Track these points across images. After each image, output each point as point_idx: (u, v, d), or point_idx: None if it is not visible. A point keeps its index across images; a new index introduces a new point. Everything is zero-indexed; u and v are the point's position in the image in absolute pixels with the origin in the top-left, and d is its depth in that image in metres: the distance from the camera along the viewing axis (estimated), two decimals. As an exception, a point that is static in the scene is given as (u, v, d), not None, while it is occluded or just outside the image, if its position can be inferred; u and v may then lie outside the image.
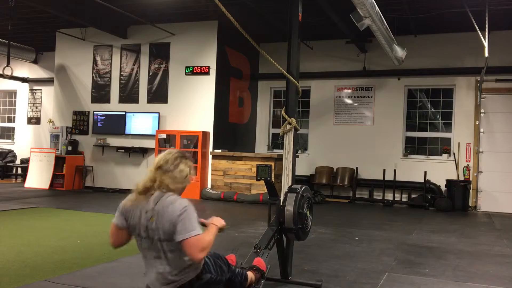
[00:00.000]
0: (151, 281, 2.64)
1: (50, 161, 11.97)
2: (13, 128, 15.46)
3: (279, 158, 10.31)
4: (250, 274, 3.19)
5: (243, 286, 3.06)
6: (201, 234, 2.49)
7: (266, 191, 4.14)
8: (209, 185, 11.15)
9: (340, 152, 12.01)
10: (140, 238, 2.60)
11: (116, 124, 11.98)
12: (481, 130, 10.97)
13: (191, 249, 2.43)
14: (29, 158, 12.46)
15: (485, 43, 8.34)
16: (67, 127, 12.56)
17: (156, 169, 2.61)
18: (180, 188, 2.63)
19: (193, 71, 11.34)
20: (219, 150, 11.17)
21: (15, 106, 15.46)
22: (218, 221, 2.77)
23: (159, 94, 11.71)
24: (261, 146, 13.09)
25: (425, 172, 11.03)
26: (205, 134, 11.09)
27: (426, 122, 11.71)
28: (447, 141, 11.40)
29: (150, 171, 2.63)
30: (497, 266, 5.32)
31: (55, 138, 12.53)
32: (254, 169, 10.36)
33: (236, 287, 3.01)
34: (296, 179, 5.03)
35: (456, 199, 10.45)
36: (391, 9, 9.37)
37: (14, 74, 14.45)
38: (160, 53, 11.73)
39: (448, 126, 11.45)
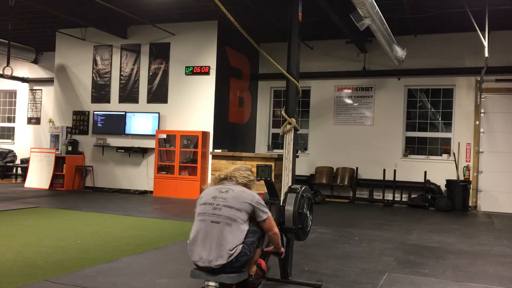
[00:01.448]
0: (200, 256, 3.16)
1: (50, 161, 11.97)
2: (13, 128, 15.46)
3: (279, 158, 10.30)
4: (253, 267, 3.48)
5: (246, 264, 3.38)
6: (272, 218, 3.42)
7: (266, 191, 4.14)
8: (209, 185, 11.13)
9: (340, 152, 12.02)
10: (205, 205, 3.31)
11: (116, 124, 11.98)
12: (481, 130, 10.98)
13: (270, 224, 3.38)
14: (29, 158, 12.46)
15: (485, 43, 8.34)
16: (67, 127, 12.56)
17: (233, 169, 3.55)
18: (244, 184, 3.48)
19: (193, 71, 11.34)
20: (219, 150, 11.15)
21: (15, 106, 15.47)
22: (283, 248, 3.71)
23: (159, 94, 11.72)
24: (261, 146, 13.10)
25: (425, 172, 11.03)
26: (205, 134, 11.09)
27: (426, 122, 11.71)
28: (447, 141, 11.40)
29: (227, 170, 3.55)
30: (497, 266, 5.32)
31: (55, 138, 12.53)
32: (254, 169, 10.34)
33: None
34: (296, 179, 5.03)
35: (456, 199, 10.46)
36: (391, 9, 9.37)
37: (14, 74, 14.45)
38: (160, 53, 11.73)
39: (448, 126, 11.46)
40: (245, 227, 3.25)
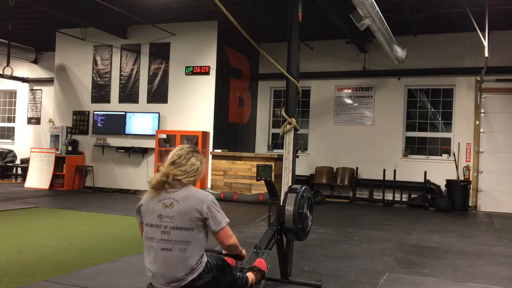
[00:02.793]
0: (156, 278, 2.67)
1: (50, 161, 11.97)
2: (13, 128, 15.46)
3: (279, 158, 10.31)
4: (251, 276, 3.19)
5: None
6: (227, 226, 2.74)
7: (266, 191, 4.14)
8: (209, 185, 11.15)
9: (340, 152, 12.02)
10: (151, 227, 2.70)
11: (116, 124, 11.98)
12: (481, 130, 10.97)
13: (225, 235, 2.71)
14: (29, 158, 12.46)
15: (485, 43, 8.34)
16: (67, 127, 12.56)
17: (170, 164, 2.77)
18: (192, 181, 2.77)
19: (193, 71, 11.34)
20: (219, 150, 11.16)
21: (15, 106, 15.46)
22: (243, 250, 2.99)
23: (159, 94, 11.72)
24: (261, 146, 13.10)
25: (425, 172, 11.03)
26: (205, 134, 11.09)
27: (426, 122, 11.71)
28: (447, 141, 11.40)
29: (163, 167, 2.78)
30: (497, 266, 5.32)
31: (55, 138, 12.53)
32: (254, 169, 10.36)
33: None
34: (296, 179, 5.04)
35: (456, 199, 10.45)
36: (391, 9, 9.37)
37: (14, 74, 14.43)
38: (160, 53, 11.72)
39: (448, 126, 11.46)
40: (203, 243, 2.71)
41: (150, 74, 11.84)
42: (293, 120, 4.77)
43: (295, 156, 4.90)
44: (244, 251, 2.99)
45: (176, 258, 2.62)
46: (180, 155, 2.81)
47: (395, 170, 11.34)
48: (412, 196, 11.20)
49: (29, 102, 15.10)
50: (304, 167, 12.02)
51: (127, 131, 11.87)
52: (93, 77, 12.47)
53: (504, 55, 10.58)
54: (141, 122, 11.76)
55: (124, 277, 4.31)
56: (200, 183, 10.95)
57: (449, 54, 11.17)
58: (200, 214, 2.63)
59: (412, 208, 10.82)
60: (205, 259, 2.70)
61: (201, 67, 11.25)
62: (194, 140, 11.18)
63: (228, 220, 2.73)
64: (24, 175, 13.22)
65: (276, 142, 12.93)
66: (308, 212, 4.02)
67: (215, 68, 11.15)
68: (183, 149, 2.85)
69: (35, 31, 12.78)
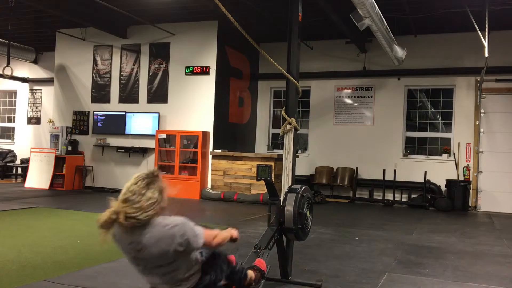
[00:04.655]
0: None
1: (50, 161, 11.97)
2: (13, 128, 15.46)
3: (279, 158, 10.31)
4: (250, 273, 3.20)
5: (242, 283, 3.05)
6: (206, 230, 2.61)
7: (266, 191, 4.14)
8: (209, 185, 11.15)
9: (340, 152, 12.02)
10: (132, 264, 2.57)
11: (116, 124, 11.98)
12: (481, 130, 10.97)
13: (209, 241, 2.58)
14: (29, 158, 12.46)
15: (485, 43, 8.34)
16: (67, 127, 12.56)
17: (122, 201, 2.43)
18: (152, 215, 2.44)
19: (193, 71, 11.34)
20: (219, 150, 11.16)
21: (15, 106, 15.47)
22: (232, 231, 2.87)
23: (159, 94, 11.72)
24: (261, 146, 13.10)
25: (425, 172, 11.03)
26: (205, 134, 11.09)
27: (426, 122, 11.71)
28: (447, 141, 11.40)
29: (115, 203, 2.45)
30: (497, 266, 5.32)
31: (55, 138, 12.53)
32: (254, 169, 10.36)
33: (235, 283, 3.01)
34: (296, 179, 5.03)
35: (456, 199, 10.45)
36: (391, 9, 9.37)
37: (14, 74, 14.44)
38: (160, 53, 11.72)
39: (448, 126, 11.45)
40: (195, 268, 2.62)
41: (150, 74, 11.84)
42: (293, 120, 4.77)
43: (295, 156, 4.90)
44: (233, 232, 2.86)
45: (168, 279, 2.54)
46: (134, 191, 2.44)
47: (395, 170, 11.34)
48: (412, 196, 11.20)
49: (29, 102, 15.10)
50: (304, 167, 12.02)
51: (127, 131, 11.87)
52: (93, 77, 12.47)
53: (504, 55, 10.58)
54: (141, 122, 11.76)
55: (123, 277, 4.30)
56: (200, 183, 10.96)
57: (449, 54, 11.17)
58: (180, 246, 2.42)
59: (412, 208, 10.82)
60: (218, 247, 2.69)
61: (201, 67, 11.25)
62: (194, 140, 11.18)
63: (202, 228, 2.57)
64: (24, 175, 13.21)
65: (276, 142, 12.93)
66: (308, 212, 4.02)
67: (215, 68, 11.16)
68: (137, 183, 2.48)
69: (35, 31, 12.79)
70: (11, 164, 14.40)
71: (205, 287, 2.67)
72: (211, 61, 11.21)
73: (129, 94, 12.04)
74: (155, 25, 11.13)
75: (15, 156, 14.62)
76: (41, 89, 14.93)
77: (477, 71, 10.35)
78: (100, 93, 12.37)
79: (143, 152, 11.75)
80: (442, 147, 11.36)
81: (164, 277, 2.54)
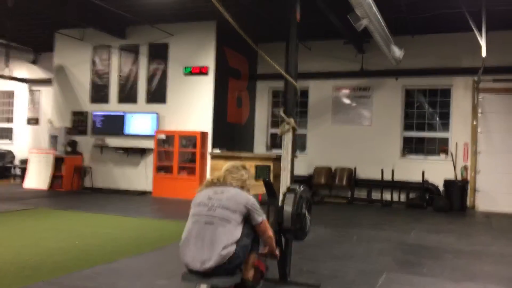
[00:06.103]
0: (192, 257, 3.12)
1: (49, 161, 11.96)
2: (12, 128, 15.44)
3: (278, 158, 10.29)
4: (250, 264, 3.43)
5: (239, 267, 3.30)
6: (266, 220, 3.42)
7: (265, 191, 4.15)
8: (207, 186, 11.14)
9: (338, 152, 12.03)
10: (199, 206, 3.32)
11: (115, 125, 11.97)
12: (479, 130, 11.00)
13: (265, 227, 3.37)
14: (28, 158, 12.45)
15: (482, 43, 8.37)
16: (66, 128, 12.55)
17: (225, 171, 3.51)
18: (239, 186, 3.44)
19: (191, 72, 11.35)
20: (218, 150, 11.16)
21: (14, 106, 15.45)
22: (277, 250, 3.67)
23: (157, 95, 11.72)
24: (260, 146, 13.11)
25: (423, 172, 11.04)
26: (203, 135, 11.11)
27: (424, 122, 11.74)
28: (445, 141, 11.42)
29: (219, 172, 3.53)
30: (495, 265, 5.35)
31: (54, 138, 12.52)
32: (253, 170, 10.35)
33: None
34: (295, 179, 5.05)
35: (454, 199, 10.47)
36: (389, 10, 9.37)
37: (13, 75, 14.47)
38: (159, 53, 11.73)
39: (445, 126, 11.48)
40: (239, 229, 3.21)
41: (149, 74, 11.84)
42: (292, 120, 4.80)
43: (293, 156, 4.92)
44: (277, 252, 3.62)
45: (215, 232, 3.11)
46: (231, 170, 3.52)
47: (393, 170, 11.35)
48: (410, 196, 11.22)
49: (28, 102, 15.08)
50: (303, 167, 12.02)
51: (126, 131, 11.87)
52: (92, 77, 12.47)
53: (501, 55, 10.60)
54: (140, 122, 11.77)
55: (123, 278, 4.32)
56: (198, 183, 10.96)
57: (447, 54, 11.19)
58: (245, 205, 3.25)
59: (410, 208, 10.83)
60: (234, 249, 3.11)
61: (200, 67, 11.26)
62: (192, 140, 11.19)
63: (265, 217, 3.39)
64: (23, 176, 13.19)
65: (275, 142, 12.94)
66: (306, 212, 4.04)
67: (213, 68, 11.17)
68: (236, 165, 3.57)
69: (34, 31, 12.78)
70: (10, 165, 14.38)
71: (233, 268, 3.17)
72: (210, 62, 11.22)
73: (128, 95, 12.04)
74: (153, 25, 11.13)
75: (14, 156, 14.60)
76: (40, 90, 14.91)
77: (475, 71, 10.37)
78: (99, 93, 12.36)
79: (142, 152, 11.75)
80: (440, 147, 11.38)
81: (217, 224, 3.15)
